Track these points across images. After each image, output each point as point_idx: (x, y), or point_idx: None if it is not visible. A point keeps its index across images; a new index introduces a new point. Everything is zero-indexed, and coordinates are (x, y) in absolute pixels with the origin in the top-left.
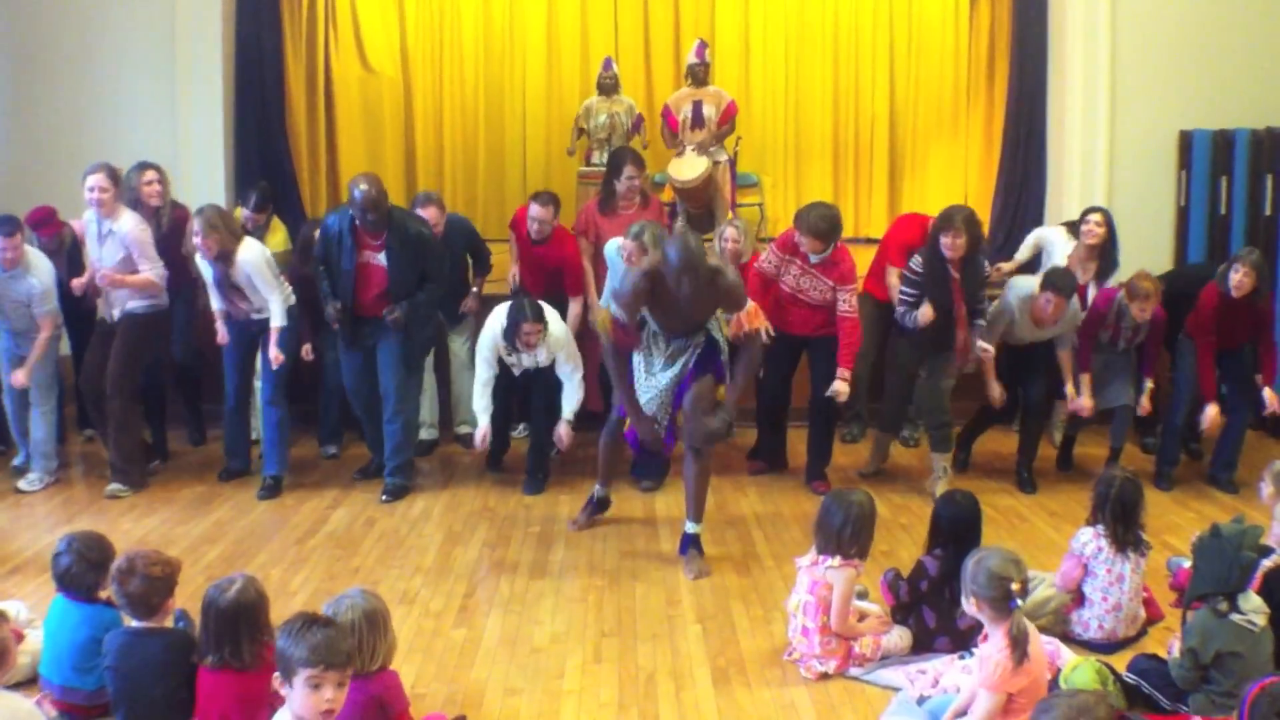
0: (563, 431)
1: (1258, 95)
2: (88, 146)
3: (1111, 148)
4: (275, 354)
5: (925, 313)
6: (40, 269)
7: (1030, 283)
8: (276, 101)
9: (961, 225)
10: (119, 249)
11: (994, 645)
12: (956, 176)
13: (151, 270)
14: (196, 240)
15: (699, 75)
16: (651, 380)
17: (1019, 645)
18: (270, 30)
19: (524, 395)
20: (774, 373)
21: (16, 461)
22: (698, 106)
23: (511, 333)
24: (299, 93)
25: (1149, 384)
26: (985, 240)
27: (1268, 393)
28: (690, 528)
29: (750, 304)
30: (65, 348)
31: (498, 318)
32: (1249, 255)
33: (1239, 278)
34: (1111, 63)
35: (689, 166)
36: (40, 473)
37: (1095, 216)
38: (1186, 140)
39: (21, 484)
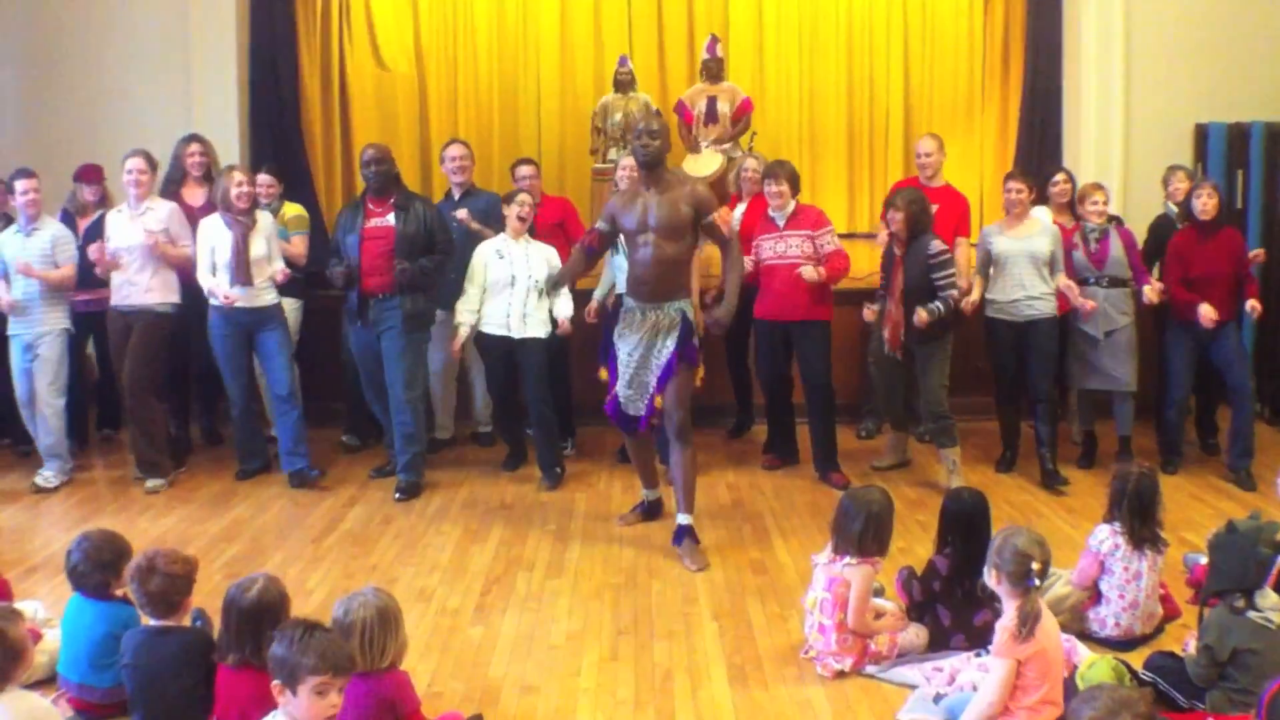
0: (561, 323)
1: (1273, 88)
2: (101, 144)
3: (1127, 141)
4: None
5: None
6: (57, 223)
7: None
8: (291, 99)
9: (901, 204)
10: (155, 224)
11: (1006, 617)
12: (972, 169)
13: (189, 247)
14: (240, 190)
15: (713, 71)
16: (634, 362)
17: (1027, 622)
18: (284, 28)
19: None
20: (770, 366)
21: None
22: (712, 102)
23: (507, 203)
24: (313, 90)
25: (1146, 288)
26: (928, 220)
27: (1251, 302)
28: (682, 519)
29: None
30: (89, 347)
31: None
32: (1207, 179)
33: (1203, 201)
34: (1126, 55)
35: (704, 163)
36: (55, 471)
37: (1059, 176)
38: (1202, 133)
39: (37, 479)
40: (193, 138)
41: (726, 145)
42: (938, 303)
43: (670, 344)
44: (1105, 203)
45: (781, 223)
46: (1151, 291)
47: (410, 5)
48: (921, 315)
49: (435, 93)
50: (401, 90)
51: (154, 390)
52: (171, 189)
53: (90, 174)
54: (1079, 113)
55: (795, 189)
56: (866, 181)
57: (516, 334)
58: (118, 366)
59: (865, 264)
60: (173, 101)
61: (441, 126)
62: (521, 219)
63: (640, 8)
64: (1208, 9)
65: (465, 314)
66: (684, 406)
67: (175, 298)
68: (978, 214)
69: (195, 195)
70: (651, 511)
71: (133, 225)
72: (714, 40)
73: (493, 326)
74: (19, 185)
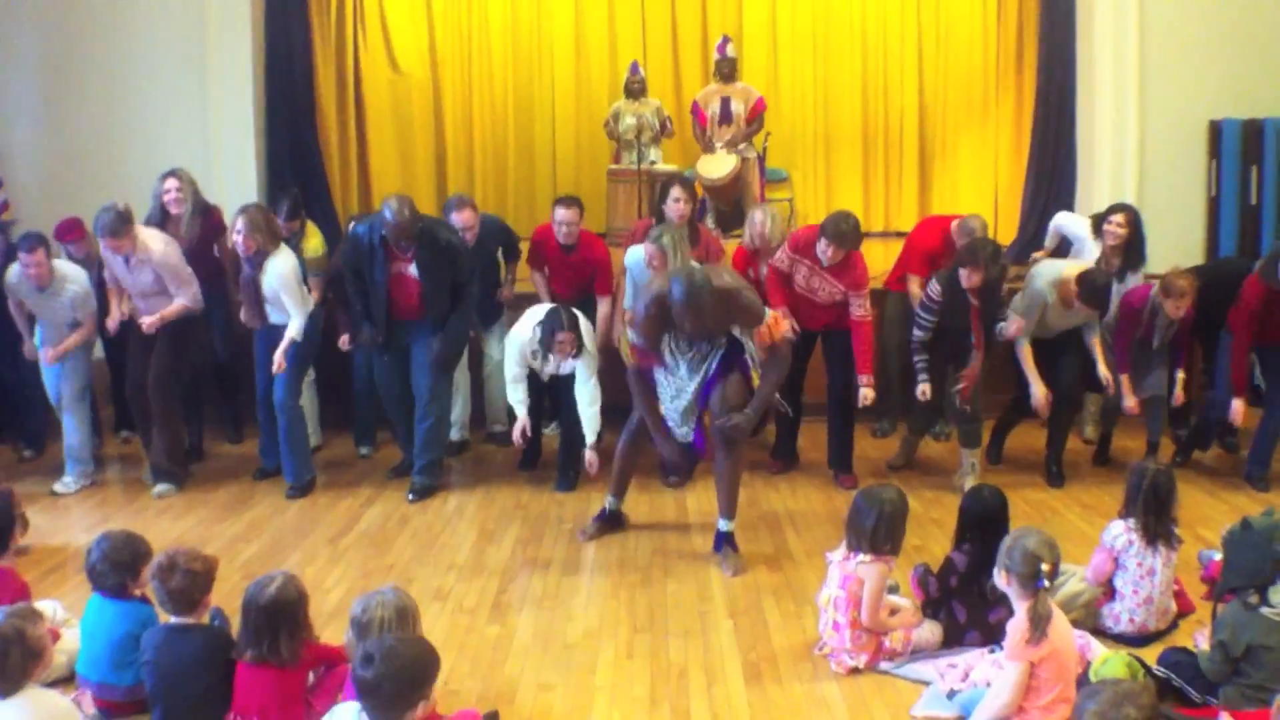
0: (590, 458)
1: None
2: (119, 155)
3: (1141, 138)
4: (279, 360)
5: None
6: (74, 278)
7: (1057, 266)
8: (307, 105)
9: (983, 263)
10: (149, 273)
11: (1017, 618)
12: (986, 168)
13: (184, 294)
14: (237, 238)
15: (725, 71)
16: (676, 382)
17: (1038, 624)
18: (300, 34)
19: (553, 393)
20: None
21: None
22: (726, 103)
23: (547, 340)
24: (329, 95)
25: (1180, 375)
26: (1005, 270)
27: None
28: (723, 525)
29: (769, 314)
30: (98, 351)
31: (527, 322)
32: None
33: None
34: (1140, 52)
35: (718, 164)
36: (75, 476)
37: (1118, 217)
38: (1216, 130)
39: (56, 486)
40: (169, 174)
41: (741, 146)
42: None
43: (714, 362)
44: (1191, 296)
45: (825, 263)
46: (1178, 391)
47: (425, 9)
48: (1010, 329)
49: (450, 97)
50: (416, 94)
51: (177, 393)
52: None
53: (68, 232)
54: (1093, 110)
55: (855, 244)
56: (881, 181)
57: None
58: (137, 373)
59: (879, 263)
60: (189, 111)
61: (456, 130)
62: (564, 354)
63: (654, 10)
64: (1221, 5)
65: (519, 407)
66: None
67: (195, 303)
68: (992, 215)
69: (181, 232)
70: (611, 522)
71: (132, 276)
72: (725, 40)
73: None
74: (23, 258)
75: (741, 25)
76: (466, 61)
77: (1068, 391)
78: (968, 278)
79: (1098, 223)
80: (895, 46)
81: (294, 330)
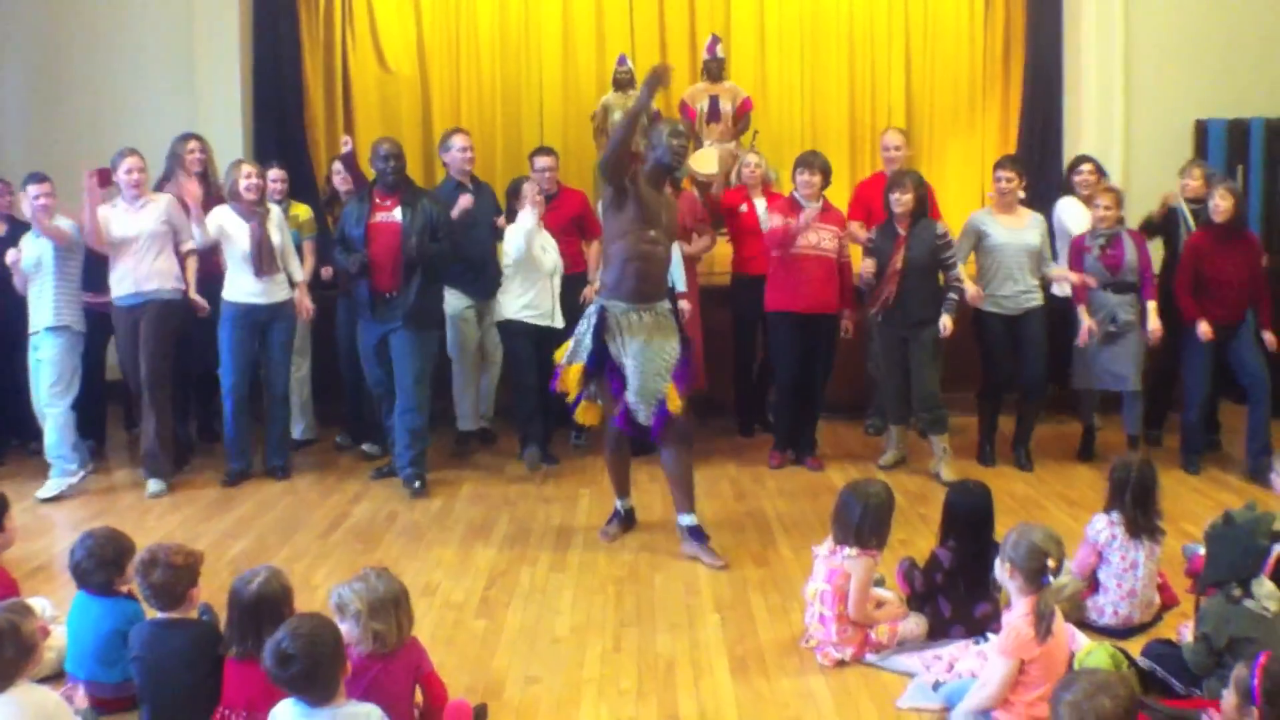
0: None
1: (1272, 84)
2: (106, 147)
3: (1127, 138)
4: (308, 304)
5: (866, 266)
6: (69, 224)
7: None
8: (295, 102)
9: (910, 185)
10: (159, 215)
11: (1016, 613)
12: (973, 167)
13: (192, 241)
14: (251, 181)
15: (714, 71)
16: (635, 365)
17: (1044, 620)
18: (287, 30)
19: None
20: (790, 360)
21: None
22: (714, 102)
23: (515, 195)
24: (317, 93)
25: (1152, 304)
26: (929, 203)
27: (1268, 336)
28: (686, 520)
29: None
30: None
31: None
32: (1222, 180)
33: (1216, 202)
34: (1126, 53)
35: (707, 160)
36: (58, 477)
37: (1086, 166)
38: (1202, 130)
39: (39, 492)
40: (190, 135)
41: (730, 145)
42: (952, 295)
43: (675, 344)
44: (1116, 206)
45: (807, 208)
46: (1154, 331)
47: (413, 6)
48: (948, 325)
49: (438, 94)
50: (405, 91)
51: (170, 382)
52: (165, 187)
53: (103, 176)
54: (1080, 109)
55: (826, 181)
56: None
57: (558, 324)
58: (128, 365)
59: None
60: (177, 104)
61: (444, 127)
62: (542, 195)
63: (642, 7)
64: (1207, 6)
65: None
66: (686, 407)
67: (179, 284)
68: None
69: (189, 192)
70: (629, 521)
71: (130, 217)
72: (715, 40)
73: (530, 314)
74: (32, 189)
75: (729, 22)
76: (454, 59)
77: (1033, 380)
78: (898, 201)
79: (1069, 180)
80: (882, 46)
81: (299, 275)
